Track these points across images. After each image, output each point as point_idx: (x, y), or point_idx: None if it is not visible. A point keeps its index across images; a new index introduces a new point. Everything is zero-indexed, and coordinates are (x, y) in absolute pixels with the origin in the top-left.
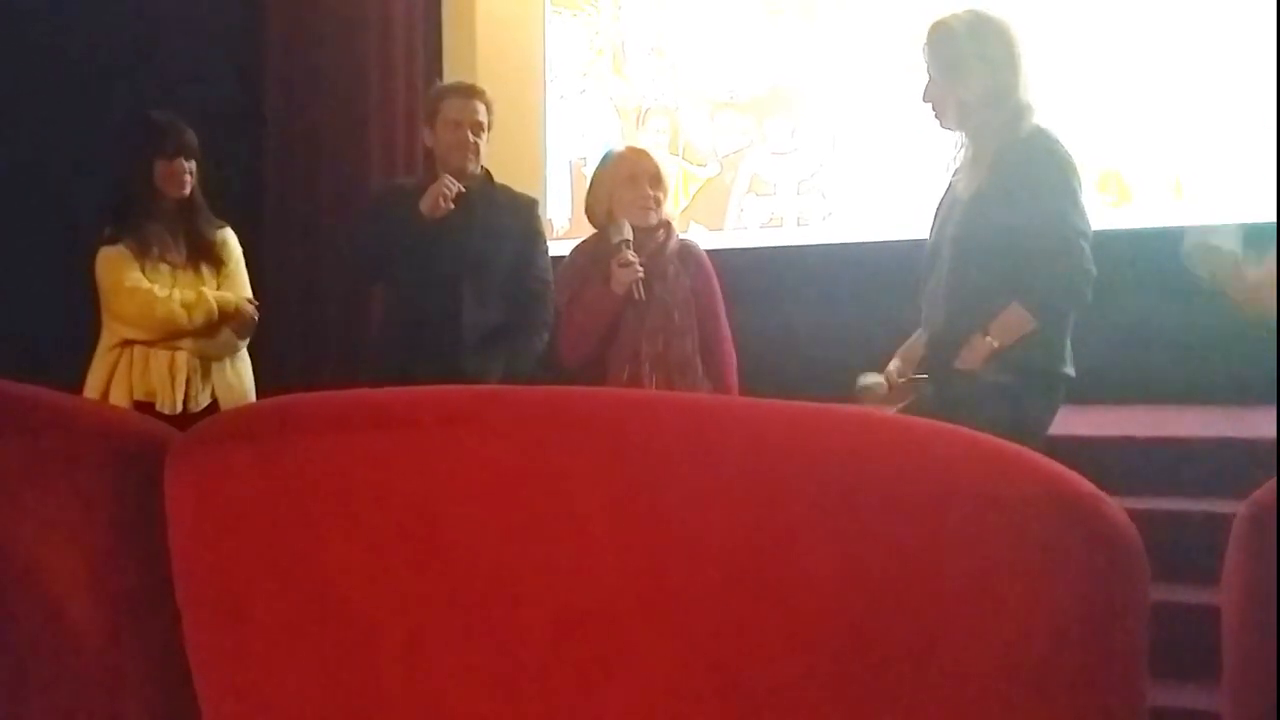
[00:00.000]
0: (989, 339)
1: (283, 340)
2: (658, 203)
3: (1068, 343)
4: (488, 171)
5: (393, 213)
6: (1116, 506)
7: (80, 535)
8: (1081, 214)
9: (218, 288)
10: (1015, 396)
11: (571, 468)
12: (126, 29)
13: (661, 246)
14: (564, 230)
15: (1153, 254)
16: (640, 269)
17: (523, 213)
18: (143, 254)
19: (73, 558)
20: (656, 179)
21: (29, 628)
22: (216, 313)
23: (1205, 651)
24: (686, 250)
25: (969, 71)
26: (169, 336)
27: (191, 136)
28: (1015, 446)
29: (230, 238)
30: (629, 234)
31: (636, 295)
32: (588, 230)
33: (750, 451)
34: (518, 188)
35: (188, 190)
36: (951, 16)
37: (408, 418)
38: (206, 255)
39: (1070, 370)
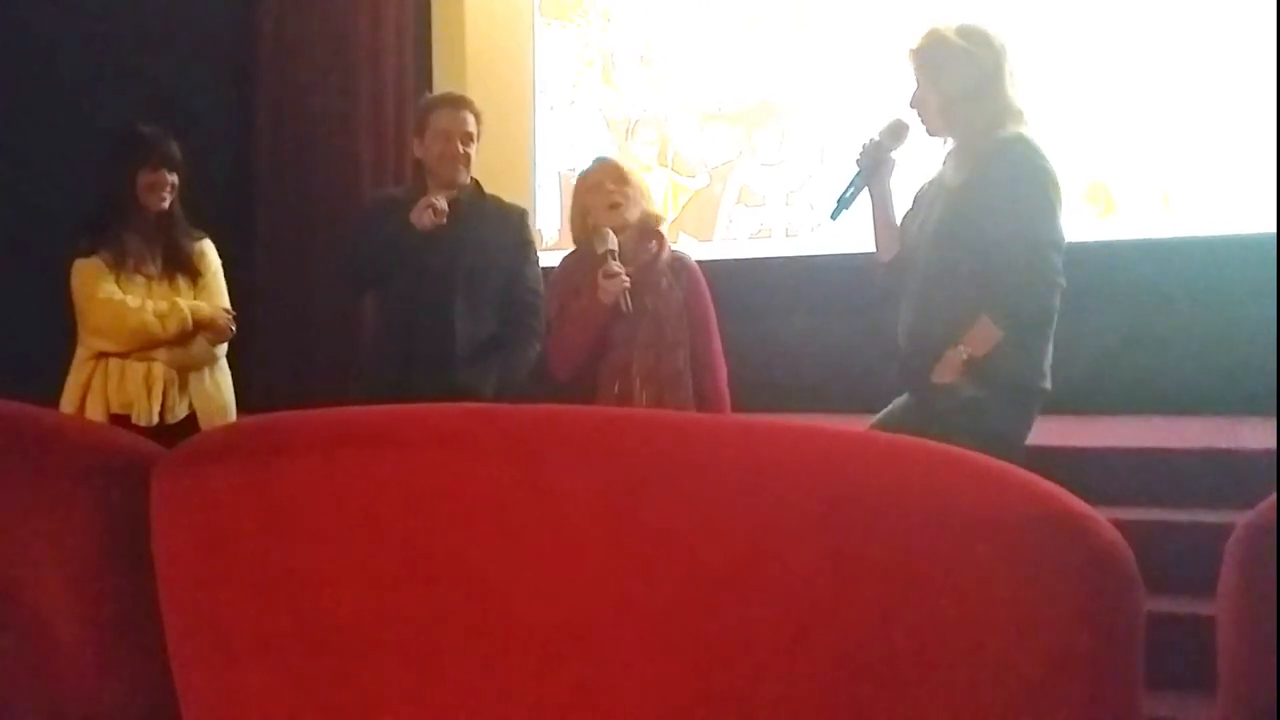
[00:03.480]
0: (961, 351)
1: (274, 352)
2: (625, 197)
3: (1045, 357)
4: (477, 182)
5: (384, 224)
6: (1110, 526)
7: (65, 551)
8: (1054, 225)
9: (194, 298)
10: (990, 411)
11: (562, 487)
12: (117, 41)
13: (654, 258)
14: (553, 241)
15: (1140, 265)
16: (627, 279)
17: (513, 224)
18: (118, 265)
19: (57, 574)
20: (620, 176)
21: (12, 643)
22: (190, 322)
23: (1192, 661)
24: (679, 262)
25: (952, 70)
26: (142, 347)
27: (175, 149)
28: (1008, 466)
29: (209, 249)
30: (614, 244)
31: (624, 306)
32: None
33: (742, 470)
34: (507, 198)
35: (167, 204)
36: (942, 25)
37: (398, 437)
38: (183, 267)
39: (1046, 384)
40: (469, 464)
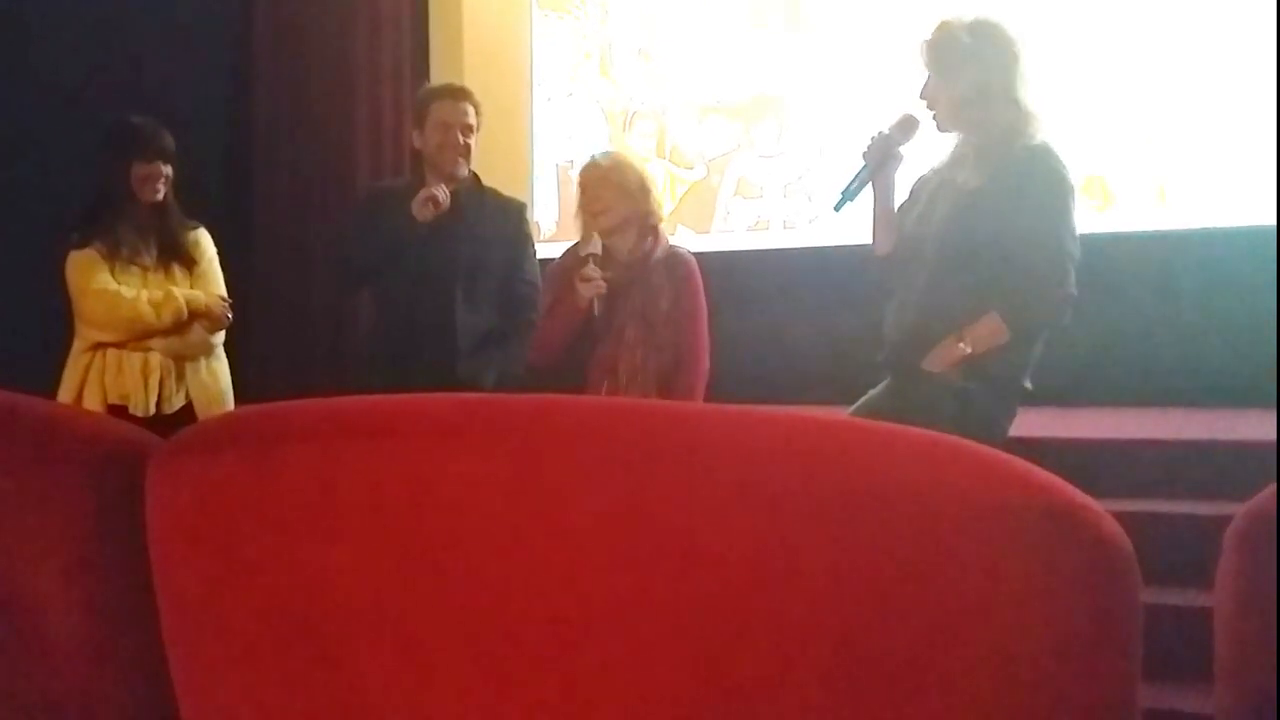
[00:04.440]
0: (962, 345)
1: (271, 341)
2: (605, 201)
3: (1034, 357)
4: (476, 175)
5: (382, 216)
6: (1109, 517)
7: (61, 541)
8: (1072, 235)
9: (190, 287)
10: (977, 403)
11: (561, 477)
12: (113, 33)
13: (647, 255)
14: (550, 233)
15: (1137, 258)
16: (603, 285)
17: (512, 216)
18: (112, 256)
19: (53, 564)
20: (599, 179)
21: (6, 634)
22: (185, 311)
23: (1190, 652)
24: (675, 258)
25: (964, 68)
26: (137, 336)
27: (169, 140)
28: (1007, 456)
29: (203, 237)
30: (597, 248)
31: (596, 310)
32: (575, 234)
33: (742, 460)
34: (504, 190)
35: (161, 195)
36: (954, 18)
37: (396, 427)
38: (178, 256)
39: (1028, 384)
40: (467, 455)
